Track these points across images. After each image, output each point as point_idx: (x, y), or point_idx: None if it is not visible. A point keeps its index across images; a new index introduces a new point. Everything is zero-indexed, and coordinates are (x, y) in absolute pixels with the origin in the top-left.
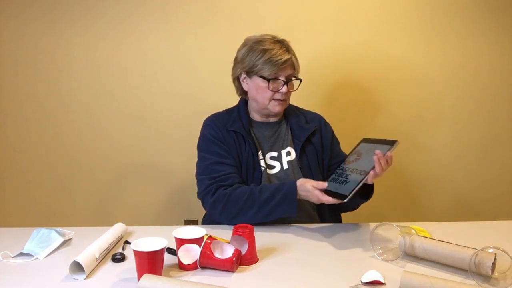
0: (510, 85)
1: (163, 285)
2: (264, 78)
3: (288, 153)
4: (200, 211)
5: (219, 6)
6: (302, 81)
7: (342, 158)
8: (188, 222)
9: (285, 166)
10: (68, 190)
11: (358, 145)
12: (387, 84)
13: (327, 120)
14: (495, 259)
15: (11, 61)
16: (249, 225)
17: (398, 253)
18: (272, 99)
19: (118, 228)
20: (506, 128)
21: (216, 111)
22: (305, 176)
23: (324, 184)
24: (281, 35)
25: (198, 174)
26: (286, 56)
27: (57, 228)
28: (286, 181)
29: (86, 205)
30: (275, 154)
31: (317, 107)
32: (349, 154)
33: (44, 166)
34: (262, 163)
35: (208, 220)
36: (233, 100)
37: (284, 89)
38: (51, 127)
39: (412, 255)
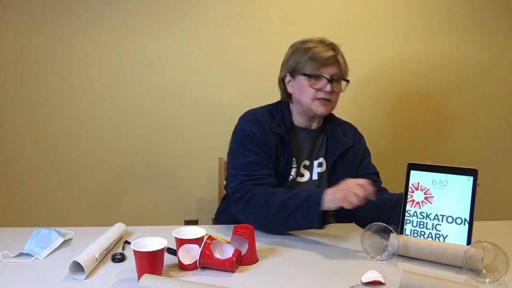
0: None
1: (163, 285)
2: (306, 75)
3: (320, 164)
4: (200, 211)
5: (220, 6)
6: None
7: (371, 171)
8: (188, 222)
9: (314, 177)
10: (68, 190)
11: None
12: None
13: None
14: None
15: (9, 62)
16: (250, 225)
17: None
18: (315, 98)
19: (118, 228)
20: (506, 127)
21: (215, 111)
22: None
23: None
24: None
25: (233, 169)
26: (330, 53)
27: (57, 228)
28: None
29: (86, 205)
30: (307, 162)
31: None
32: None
33: (44, 166)
34: (293, 171)
35: (223, 219)
36: (234, 100)
37: (328, 87)
38: (50, 127)
39: (404, 256)
